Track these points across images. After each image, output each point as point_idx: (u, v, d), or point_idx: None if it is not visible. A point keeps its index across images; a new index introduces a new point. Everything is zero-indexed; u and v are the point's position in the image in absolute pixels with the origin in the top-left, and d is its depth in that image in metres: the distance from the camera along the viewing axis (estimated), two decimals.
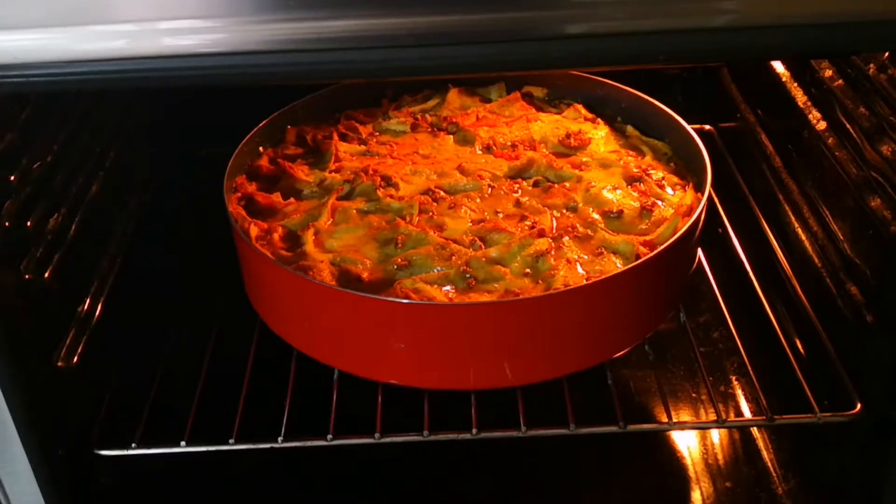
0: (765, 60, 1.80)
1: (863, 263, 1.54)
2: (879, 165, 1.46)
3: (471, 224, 1.64)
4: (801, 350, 1.75)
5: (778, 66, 1.93)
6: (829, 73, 1.64)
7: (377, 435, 1.54)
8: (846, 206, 1.59)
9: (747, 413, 1.84)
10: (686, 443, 1.82)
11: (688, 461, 1.79)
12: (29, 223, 1.47)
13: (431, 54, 1.07)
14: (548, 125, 1.93)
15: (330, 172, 1.80)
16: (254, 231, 1.61)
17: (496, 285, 1.51)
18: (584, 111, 1.97)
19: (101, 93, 1.81)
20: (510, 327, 1.47)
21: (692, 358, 1.75)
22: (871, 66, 1.48)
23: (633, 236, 1.59)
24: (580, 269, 1.54)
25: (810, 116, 1.72)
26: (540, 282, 1.51)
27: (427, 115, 1.98)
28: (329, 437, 1.54)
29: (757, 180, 2.06)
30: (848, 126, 1.56)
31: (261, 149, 1.86)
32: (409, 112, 2.00)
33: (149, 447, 1.56)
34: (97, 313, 1.68)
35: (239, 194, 1.72)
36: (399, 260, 1.55)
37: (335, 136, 1.89)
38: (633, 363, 1.91)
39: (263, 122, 1.86)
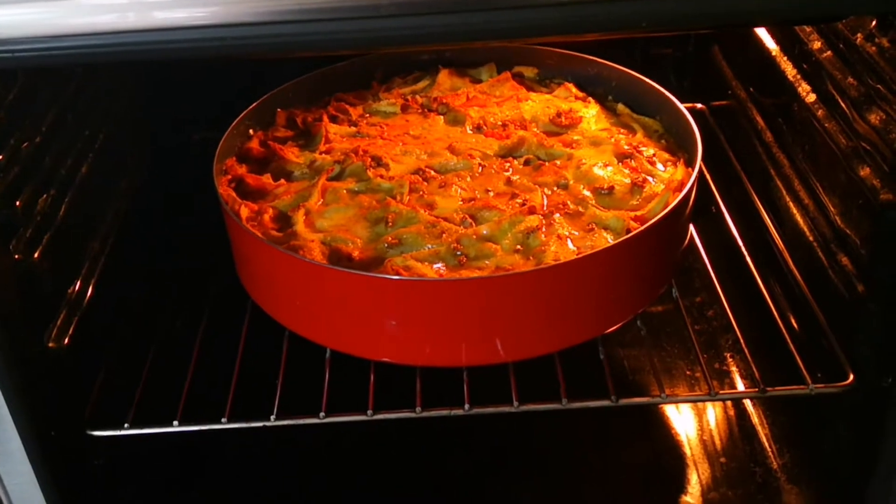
0: (749, 26, 1.78)
1: (853, 234, 1.54)
2: (868, 135, 1.46)
3: (461, 203, 1.64)
4: (794, 324, 1.75)
5: (768, 41, 1.92)
6: (817, 45, 1.64)
7: (369, 412, 1.54)
8: (836, 177, 1.58)
9: (741, 388, 1.84)
10: (681, 421, 1.82)
11: (683, 439, 1.79)
12: (18, 203, 1.47)
13: (414, 24, 1.06)
14: (538, 104, 1.93)
15: (320, 154, 1.79)
16: (244, 212, 1.61)
17: (487, 262, 1.51)
18: (574, 90, 1.97)
19: (90, 73, 1.80)
20: (501, 303, 1.46)
21: (686, 335, 1.75)
22: (859, 35, 1.47)
23: (623, 212, 1.59)
24: (571, 245, 1.53)
25: (800, 89, 1.72)
26: (531, 258, 1.51)
27: (417, 97, 1.98)
28: (321, 414, 1.54)
29: (749, 157, 2.05)
30: (837, 97, 1.55)
31: (251, 131, 1.85)
32: (399, 94, 1.99)
33: (141, 427, 1.56)
34: (88, 294, 1.68)
35: (229, 176, 1.72)
36: (390, 238, 1.55)
37: (325, 118, 1.89)
38: (626, 341, 1.91)
39: (253, 104, 1.86)
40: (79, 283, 1.66)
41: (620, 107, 1.92)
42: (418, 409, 1.54)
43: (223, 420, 1.54)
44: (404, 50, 1.97)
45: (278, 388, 1.56)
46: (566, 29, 1.09)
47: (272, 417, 1.54)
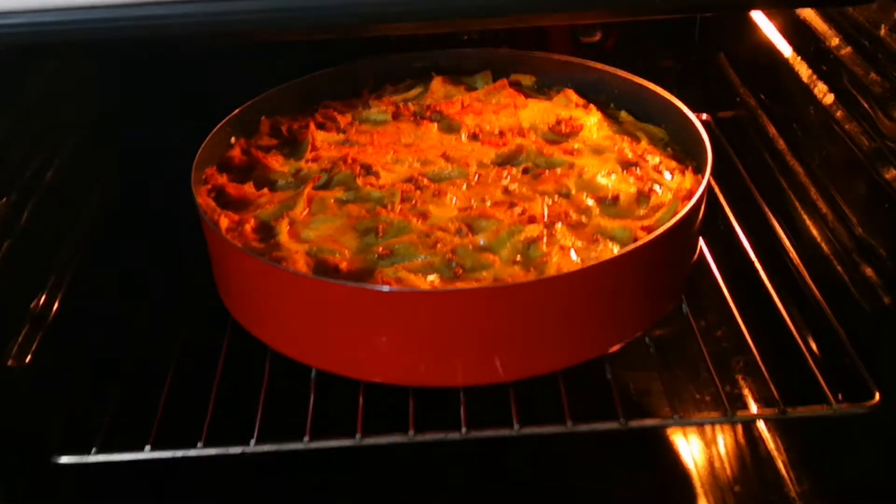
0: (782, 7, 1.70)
1: (878, 242, 1.47)
2: (894, 134, 1.37)
3: (457, 212, 1.56)
4: (812, 341, 1.68)
5: (779, 42, 1.86)
6: (835, 41, 1.57)
7: (358, 436, 1.46)
8: (858, 182, 1.53)
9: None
10: (691, 446, 1.73)
11: (692, 466, 1.70)
12: None
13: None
14: (537, 112, 1.86)
15: (306, 162, 1.72)
16: (224, 222, 1.53)
17: (484, 274, 1.43)
18: (574, 97, 1.90)
19: (57, 71, 1.71)
20: (500, 316, 1.38)
21: (696, 355, 1.66)
22: (883, 27, 1.40)
23: (630, 221, 1.52)
24: (574, 256, 1.46)
25: (816, 91, 1.65)
26: (531, 269, 1.43)
27: (409, 104, 1.91)
28: (305, 439, 1.46)
29: (759, 168, 1.99)
30: (858, 96, 1.49)
31: (233, 139, 1.78)
32: (390, 101, 1.92)
33: (111, 453, 1.47)
34: (54, 309, 1.59)
35: (209, 186, 1.64)
36: (380, 249, 1.47)
37: (312, 125, 1.81)
38: (633, 362, 1.81)
39: (235, 111, 1.77)
40: (44, 297, 1.58)
41: (623, 114, 1.86)
42: (411, 433, 1.46)
43: (199, 445, 1.45)
44: (398, 30, 1.86)
45: (259, 411, 1.48)
46: (570, 4, 0.99)
47: (252, 442, 1.45)
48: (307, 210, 1.58)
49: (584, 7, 1.06)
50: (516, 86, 1.97)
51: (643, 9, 1.19)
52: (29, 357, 1.49)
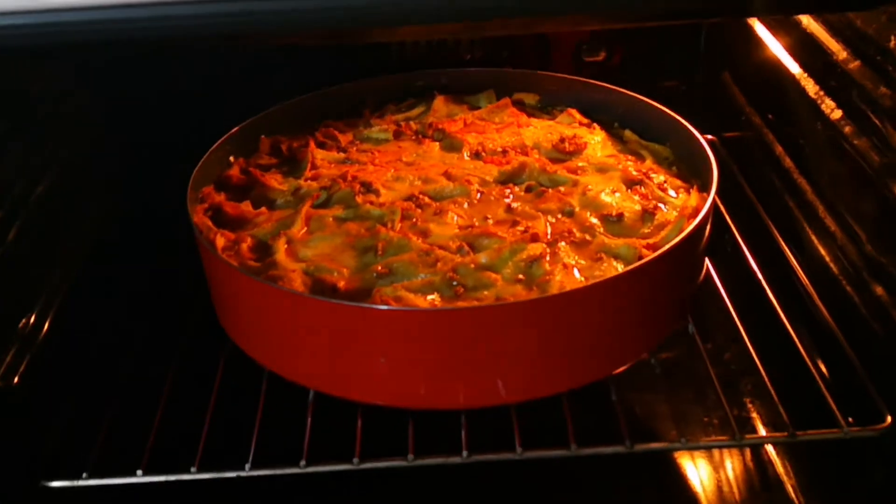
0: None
1: (888, 261, 1.44)
2: None
3: (458, 230, 1.54)
4: (822, 362, 1.64)
5: (785, 58, 1.85)
6: (843, 55, 1.55)
7: (356, 461, 1.43)
8: (867, 199, 1.50)
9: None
10: (698, 470, 1.69)
11: (700, 490, 1.66)
12: None
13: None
14: (540, 130, 1.85)
15: (305, 180, 1.70)
16: (220, 241, 1.51)
17: (486, 293, 1.40)
18: (578, 116, 1.89)
19: (49, 85, 1.69)
20: (502, 336, 1.35)
21: (703, 377, 1.63)
22: (893, 39, 1.37)
23: (635, 239, 1.49)
24: (578, 275, 1.43)
25: (823, 106, 1.63)
26: (534, 288, 1.40)
27: (411, 123, 1.89)
28: (302, 463, 1.42)
29: (765, 187, 1.97)
30: (867, 110, 1.47)
31: (231, 158, 1.76)
32: (392, 120, 1.90)
33: (102, 477, 1.44)
34: (44, 329, 1.55)
35: (206, 205, 1.62)
36: (379, 268, 1.44)
37: (312, 143, 1.79)
38: (639, 384, 1.77)
39: (233, 129, 1.75)
40: (34, 317, 1.54)
41: (628, 133, 1.84)
42: (410, 456, 1.43)
43: (192, 469, 1.42)
44: (399, 34, 1.84)
45: (254, 434, 1.45)
46: (573, 6, 0.96)
47: (247, 466, 1.42)
48: (305, 228, 1.55)
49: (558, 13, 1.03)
50: (519, 105, 1.96)
51: (631, 14, 1.16)
52: (17, 378, 1.46)
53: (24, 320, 1.52)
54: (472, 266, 1.43)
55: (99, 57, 1.73)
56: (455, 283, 1.40)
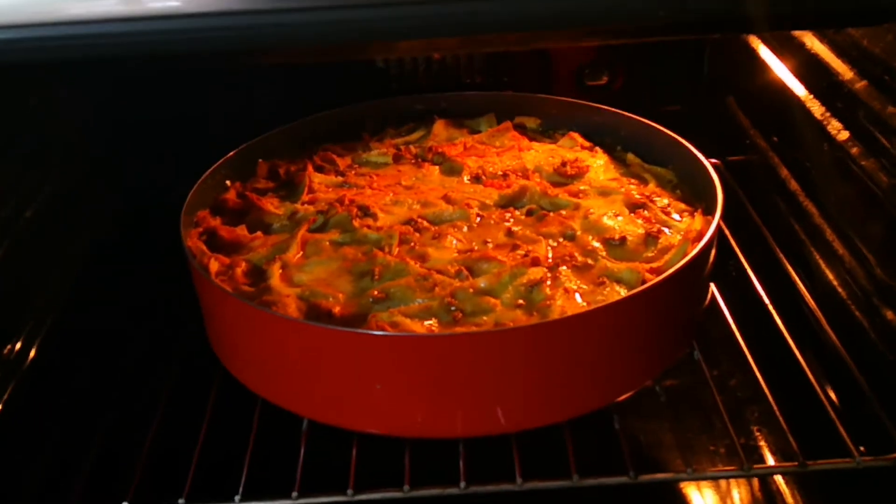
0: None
1: None
2: None
3: (457, 254, 1.51)
4: (831, 389, 1.62)
5: (790, 79, 1.84)
6: (849, 75, 1.53)
7: (350, 492, 1.39)
8: (875, 221, 1.49)
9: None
10: (705, 500, 1.65)
11: None
12: None
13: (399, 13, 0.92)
14: (542, 154, 1.83)
15: (302, 204, 1.67)
16: (214, 266, 1.48)
17: (485, 318, 1.37)
18: (580, 139, 1.87)
19: (40, 107, 1.67)
20: (501, 363, 1.32)
21: (710, 404, 1.60)
22: None
23: (638, 263, 1.47)
24: (579, 300, 1.40)
25: (829, 128, 1.62)
26: (534, 313, 1.38)
27: (411, 147, 1.87)
28: (294, 494, 1.39)
29: (771, 212, 1.96)
30: (875, 131, 1.44)
31: (228, 182, 1.74)
32: (391, 144, 1.88)
33: None
34: (31, 356, 1.51)
35: (200, 229, 1.60)
36: (375, 293, 1.42)
37: (309, 167, 1.77)
38: (643, 412, 1.74)
39: (230, 153, 1.73)
40: (19, 343, 1.50)
41: (630, 156, 1.82)
42: (406, 487, 1.39)
43: (180, 501, 1.38)
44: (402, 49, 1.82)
45: (245, 464, 1.41)
46: (569, 21, 0.93)
47: (237, 498, 1.38)
48: (301, 253, 1.53)
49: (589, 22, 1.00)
50: (521, 128, 1.95)
51: (630, 29, 1.14)
52: (0, 406, 1.42)
53: (8, 347, 1.49)
54: (471, 291, 1.40)
55: (91, 76, 1.71)
56: (453, 308, 1.37)
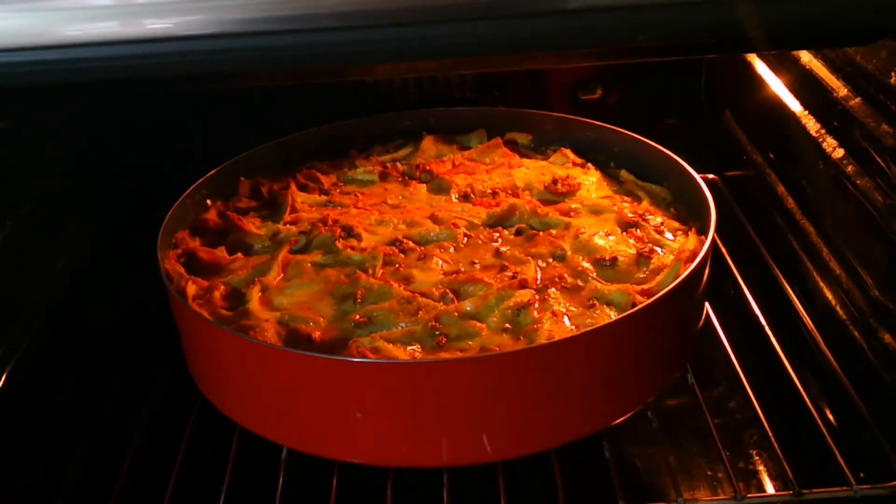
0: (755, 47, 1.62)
1: None
2: None
3: (442, 276, 1.48)
4: (830, 413, 1.59)
5: (785, 95, 1.81)
6: (844, 92, 1.50)
7: None
8: (872, 241, 1.46)
9: (771, 491, 1.61)
10: None
11: None
12: None
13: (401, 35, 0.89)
14: (532, 171, 1.80)
15: (285, 224, 1.64)
16: (191, 290, 1.45)
17: (471, 343, 1.34)
18: (572, 155, 1.84)
19: (15, 130, 1.64)
20: (487, 390, 1.28)
21: (703, 429, 1.56)
22: (893, 75, 1.32)
23: (629, 285, 1.43)
24: (568, 323, 1.37)
25: (825, 145, 1.59)
26: (521, 338, 1.35)
27: (398, 164, 1.83)
28: None
29: (768, 229, 1.93)
30: (870, 149, 1.41)
31: (209, 202, 1.70)
32: (378, 161, 1.84)
33: None
34: (2, 381, 1.48)
35: (179, 251, 1.56)
36: (357, 317, 1.38)
37: (292, 186, 1.73)
38: (635, 437, 1.70)
39: (210, 172, 1.69)
40: None
41: (624, 173, 1.78)
42: None
43: None
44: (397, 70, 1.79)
45: (222, 494, 1.37)
46: (555, 43, 0.90)
47: None
48: (282, 275, 1.49)
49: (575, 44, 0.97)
50: (512, 145, 1.91)
51: (625, 51, 1.11)
52: None
53: None
54: (456, 314, 1.37)
55: (75, 97, 1.68)
56: (437, 332, 1.34)
